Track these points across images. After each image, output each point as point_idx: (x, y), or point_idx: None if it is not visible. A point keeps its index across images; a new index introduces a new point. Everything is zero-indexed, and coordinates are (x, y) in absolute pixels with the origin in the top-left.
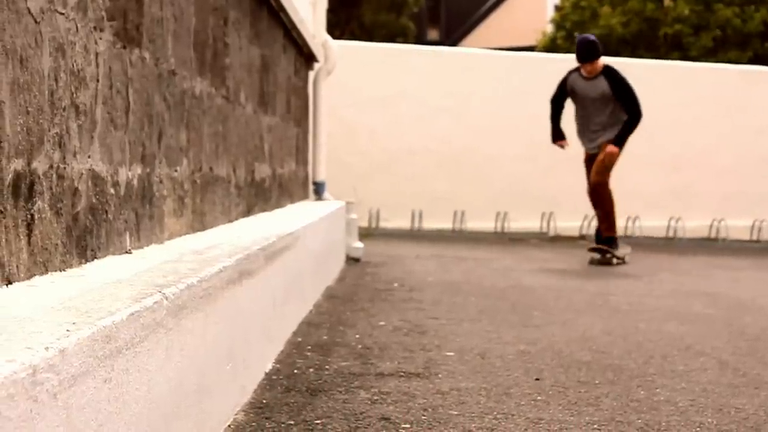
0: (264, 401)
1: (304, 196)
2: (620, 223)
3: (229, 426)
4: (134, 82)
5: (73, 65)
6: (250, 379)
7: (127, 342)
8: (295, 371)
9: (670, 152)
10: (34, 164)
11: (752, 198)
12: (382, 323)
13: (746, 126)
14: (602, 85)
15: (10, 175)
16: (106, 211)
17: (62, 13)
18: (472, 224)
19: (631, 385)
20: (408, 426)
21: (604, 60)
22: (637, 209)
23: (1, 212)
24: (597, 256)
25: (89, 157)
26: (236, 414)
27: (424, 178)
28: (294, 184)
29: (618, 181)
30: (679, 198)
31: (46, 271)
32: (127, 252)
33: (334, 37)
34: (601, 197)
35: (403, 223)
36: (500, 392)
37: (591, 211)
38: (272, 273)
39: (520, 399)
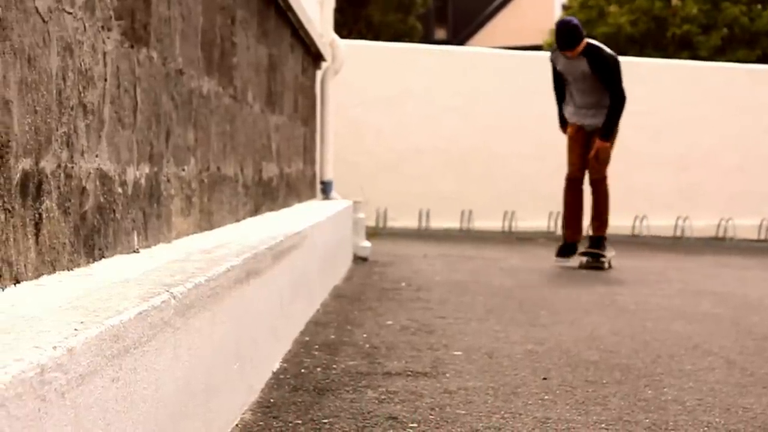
0: (271, 400)
1: (312, 196)
2: (624, 223)
3: (236, 425)
4: (142, 82)
5: (80, 64)
6: (257, 379)
7: (135, 341)
8: (303, 370)
9: (678, 151)
10: (42, 163)
11: (760, 197)
12: (389, 322)
13: (754, 125)
14: (582, 64)
15: (18, 175)
16: (114, 211)
17: (70, 13)
18: (480, 223)
19: (639, 385)
20: (415, 425)
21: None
22: (645, 208)
23: (9, 211)
24: (588, 260)
25: (97, 156)
26: (244, 413)
27: (431, 178)
28: (301, 184)
29: (625, 180)
30: (687, 197)
31: (54, 270)
32: (134, 251)
33: (342, 36)
34: (600, 194)
35: (410, 222)
36: (508, 391)
37: None
38: (280, 272)
39: (527, 398)
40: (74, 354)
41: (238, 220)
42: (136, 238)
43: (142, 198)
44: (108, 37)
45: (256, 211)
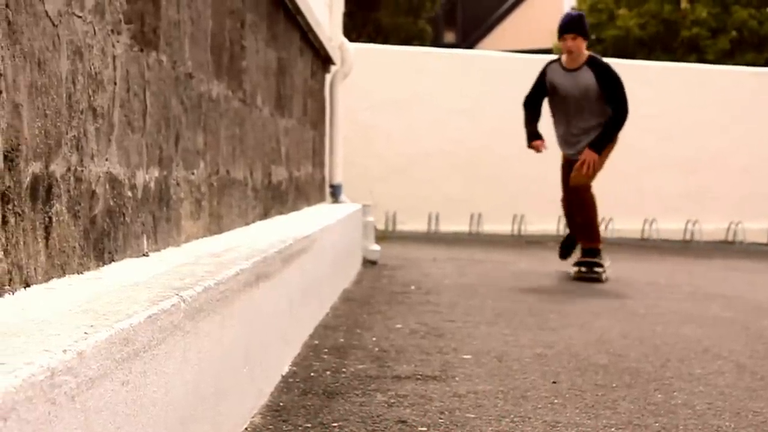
0: (281, 404)
1: (321, 199)
2: (634, 226)
3: (245, 429)
4: (151, 85)
5: (90, 68)
6: (266, 382)
7: (145, 345)
8: (312, 374)
9: (687, 155)
10: (52, 167)
11: None
12: (398, 326)
13: (762, 128)
14: (586, 77)
15: (28, 178)
16: (124, 214)
17: (80, 17)
18: (489, 227)
19: (649, 389)
20: (425, 429)
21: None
22: (654, 212)
23: (20, 215)
24: (582, 269)
25: (107, 159)
26: (253, 417)
27: (440, 181)
28: (311, 187)
29: (635, 184)
30: (696, 200)
31: (64, 273)
32: (144, 255)
33: (351, 39)
34: (583, 203)
35: (419, 225)
36: (517, 395)
37: (608, 213)
38: (289, 276)
39: (537, 402)
40: (84, 357)
41: (247, 224)
42: (145, 241)
43: (151, 202)
44: (118, 41)
45: (265, 215)
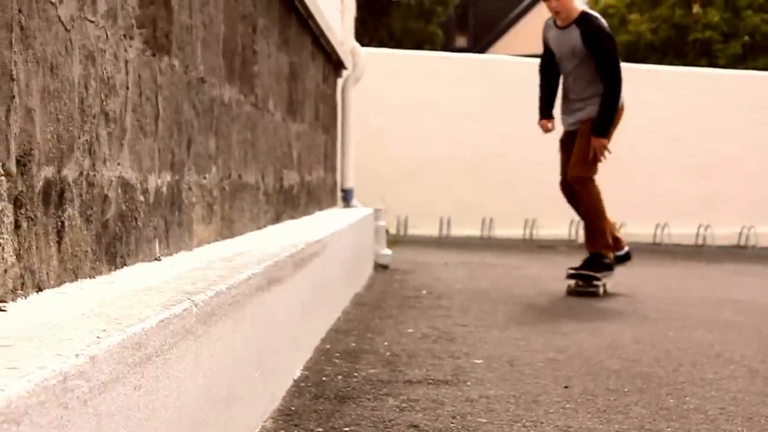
0: (292, 408)
1: (333, 203)
2: (646, 231)
3: None
4: (164, 90)
5: (102, 73)
6: (278, 386)
7: (157, 349)
8: (324, 378)
9: (699, 159)
10: (65, 171)
11: None
12: (410, 330)
13: None
14: (573, 36)
15: (40, 183)
16: (136, 219)
17: (92, 21)
18: (500, 231)
19: (661, 393)
20: None
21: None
22: (666, 216)
23: (32, 219)
24: (578, 283)
25: (119, 164)
26: (265, 421)
27: (452, 185)
28: (322, 191)
29: (647, 188)
30: (708, 205)
31: (76, 278)
32: (156, 259)
33: (363, 44)
34: (582, 198)
35: (431, 230)
36: (529, 400)
37: (620, 218)
38: (301, 280)
39: (548, 407)
40: (96, 362)
41: (259, 228)
42: (157, 246)
43: (163, 206)
44: (130, 46)
45: (277, 219)
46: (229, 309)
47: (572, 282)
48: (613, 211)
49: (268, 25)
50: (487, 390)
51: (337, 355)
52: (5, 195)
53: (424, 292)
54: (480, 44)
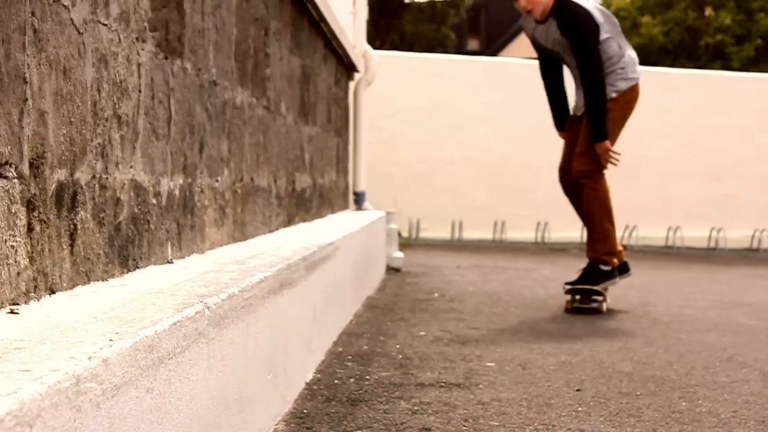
0: (305, 411)
1: (345, 206)
2: (658, 234)
3: None
4: (176, 93)
5: (115, 76)
6: (290, 390)
7: (170, 352)
8: (336, 381)
9: (711, 162)
10: (77, 174)
11: None
12: (422, 333)
13: None
14: (552, 28)
15: (53, 186)
16: (148, 221)
17: (105, 24)
18: (513, 234)
19: (673, 397)
20: None
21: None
22: (678, 219)
23: (45, 222)
24: (576, 297)
25: (131, 167)
26: (277, 424)
27: (463, 188)
28: (334, 194)
29: (659, 191)
30: (721, 208)
31: (89, 280)
32: (168, 262)
33: (375, 47)
34: (587, 195)
35: (443, 233)
36: (541, 403)
37: (633, 221)
38: (313, 283)
39: (561, 410)
40: (109, 364)
41: (271, 231)
42: (170, 248)
43: (175, 209)
44: (142, 49)
45: (289, 222)
46: (241, 312)
47: (569, 297)
48: (625, 214)
49: (281, 28)
50: (500, 393)
51: (349, 358)
52: (18, 197)
53: (436, 295)
54: (492, 47)
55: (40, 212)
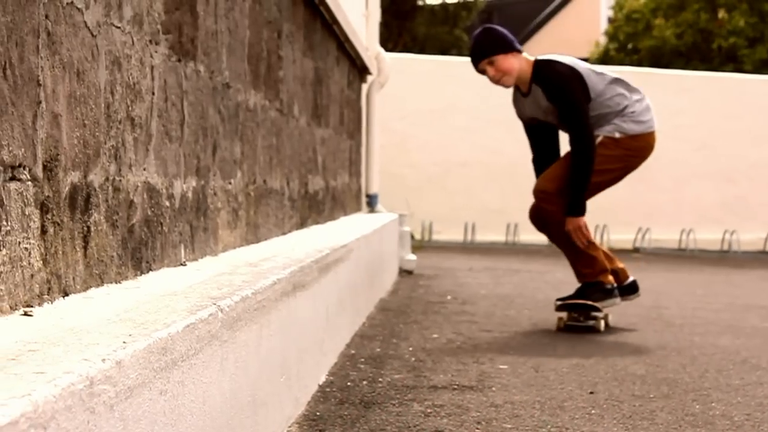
0: (317, 414)
1: (357, 209)
2: (671, 236)
3: None
4: (189, 95)
5: (128, 78)
6: (303, 392)
7: (183, 354)
8: (349, 383)
9: (724, 165)
10: (91, 177)
11: None
12: (435, 336)
13: None
14: (539, 96)
15: (67, 188)
16: (161, 224)
17: (118, 27)
18: (525, 237)
19: (686, 399)
20: None
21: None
22: (691, 222)
23: (58, 224)
24: (572, 316)
25: (144, 169)
26: (290, 426)
27: (476, 191)
28: (347, 197)
29: (672, 194)
30: (734, 211)
31: (102, 283)
32: (181, 264)
33: (387, 49)
34: (548, 218)
35: (455, 235)
36: (554, 405)
37: (646, 223)
38: (326, 285)
39: (574, 412)
40: (123, 366)
41: (284, 233)
42: (183, 251)
43: (189, 211)
44: (156, 51)
45: (302, 224)
46: (254, 314)
47: (563, 315)
48: (638, 217)
49: (293, 31)
50: (513, 395)
51: (362, 360)
52: (32, 200)
53: (448, 297)
54: None
55: (53, 214)
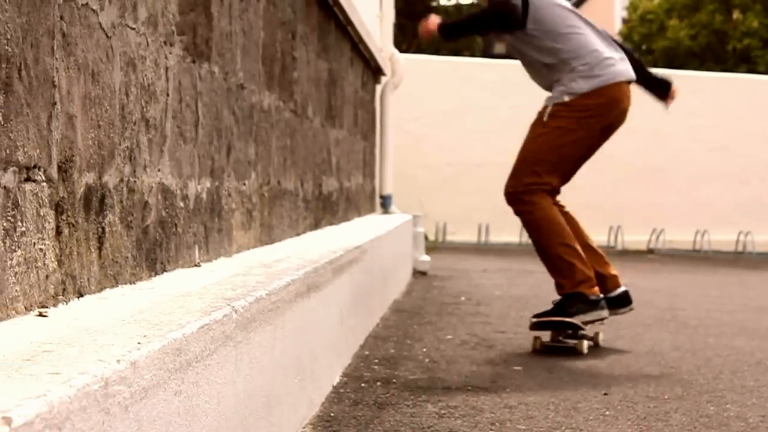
0: (332, 414)
1: (371, 210)
2: (686, 237)
3: None
4: (203, 96)
5: (143, 79)
6: (317, 392)
7: (197, 355)
8: (363, 384)
9: (739, 166)
10: (105, 178)
11: None
12: (449, 337)
13: None
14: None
15: (81, 189)
16: (176, 225)
17: (133, 28)
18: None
19: (701, 401)
20: None
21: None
22: (706, 223)
23: (73, 225)
24: (555, 337)
25: (159, 170)
26: (304, 427)
27: (490, 192)
28: (361, 198)
29: (686, 195)
30: (748, 212)
31: (117, 283)
32: (196, 265)
33: (401, 50)
34: (523, 222)
35: (469, 236)
36: (568, 407)
37: (660, 224)
38: (340, 286)
39: (588, 414)
40: (137, 367)
41: (298, 234)
42: (197, 251)
43: (203, 212)
44: (170, 53)
45: (316, 225)
46: (268, 315)
47: (539, 335)
48: (652, 218)
49: (308, 32)
50: (526, 397)
51: (376, 361)
52: (47, 201)
53: (462, 298)
54: None
55: (68, 215)
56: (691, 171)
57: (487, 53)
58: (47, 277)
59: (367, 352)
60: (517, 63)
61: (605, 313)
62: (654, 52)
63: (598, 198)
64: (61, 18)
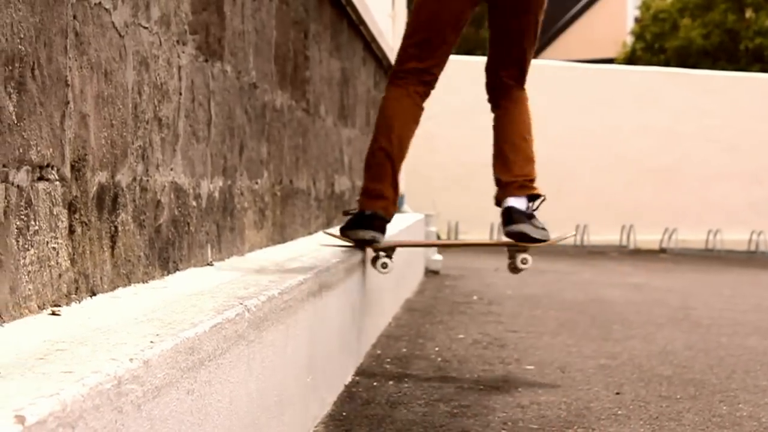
0: (344, 414)
1: None
2: (698, 237)
3: None
4: (216, 95)
5: (156, 78)
6: (329, 392)
7: (210, 354)
8: (375, 384)
9: (752, 165)
10: (118, 177)
11: None
12: (461, 336)
13: None
14: None
15: (94, 188)
16: (188, 224)
17: (146, 27)
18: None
19: (714, 401)
20: None
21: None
22: (718, 222)
23: (86, 224)
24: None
25: (172, 169)
26: (316, 427)
27: None
28: None
29: (698, 194)
30: (761, 211)
31: (129, 282)
32: (208, 264)
33: None
34: None
35: (481, 235)
36: (580, 406)
37: (673, 224)
38: (352, 285)
39: (600, 413)
40: (150, 366)
41: (310, 233)
42: (209, 250)
43: (215, 211)
44: (183, 52)
45: (328, 224)
46: (281, 314)
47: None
48: (665, 217)
49: (320, 31)
50: (539, 396)
51: (388, 360)
52: (60, 200)
53: (474, 297)
54: None
55: (81, 214)
56: (703, 170)
57: None
58: (60, 275)
59: (379, 351)
60: (531, 62)
61: (368, 234)
62: (666, 51)
63: (611, 197)
64: (74, 17)
